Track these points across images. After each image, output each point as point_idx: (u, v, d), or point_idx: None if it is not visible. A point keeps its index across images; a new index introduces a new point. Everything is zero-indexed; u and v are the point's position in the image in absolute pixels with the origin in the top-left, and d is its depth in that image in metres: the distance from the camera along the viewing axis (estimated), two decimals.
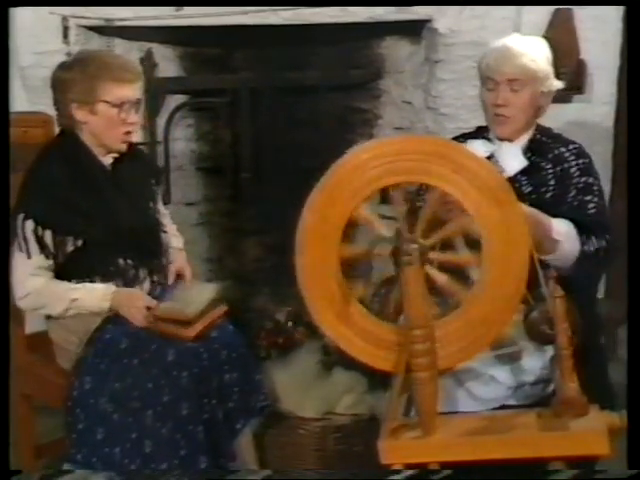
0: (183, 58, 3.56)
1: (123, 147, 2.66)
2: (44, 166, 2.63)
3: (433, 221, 2.09)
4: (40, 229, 2.55)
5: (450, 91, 3.53)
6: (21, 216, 2.55)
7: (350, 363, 2.39)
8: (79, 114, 2.60)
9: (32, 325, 2.84)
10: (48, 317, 2.67)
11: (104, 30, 3.30)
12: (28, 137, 2.81)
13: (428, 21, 3.49)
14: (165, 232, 2.80)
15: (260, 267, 3.76)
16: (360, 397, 2.85)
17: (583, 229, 2.46)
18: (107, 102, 2.57)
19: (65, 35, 3.23)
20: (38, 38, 3.23)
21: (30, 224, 2.55)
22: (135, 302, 2.57)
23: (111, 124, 2.59)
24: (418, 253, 2.03)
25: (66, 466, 2.51)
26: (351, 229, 2.09)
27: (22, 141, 2.74)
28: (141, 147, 2.85)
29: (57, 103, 2.65)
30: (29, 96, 3.24)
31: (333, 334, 2.12)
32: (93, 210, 2.61)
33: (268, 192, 3.66)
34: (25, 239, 2.55)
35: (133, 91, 2.60)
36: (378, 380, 2.53)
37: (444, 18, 3.46)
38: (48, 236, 2.56)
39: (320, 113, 3.69)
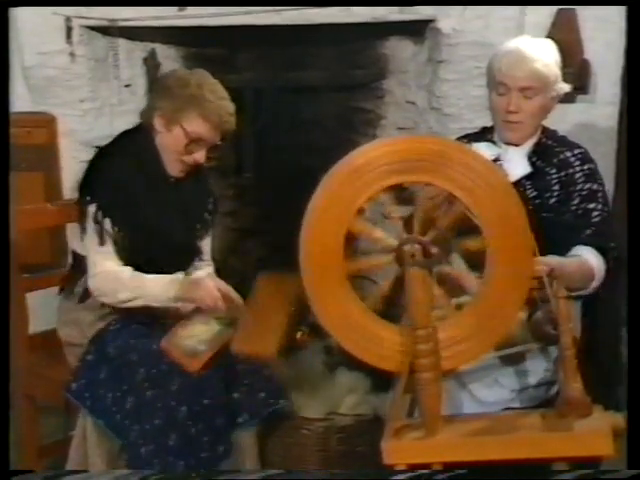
0: (186, 58, 3.56)
1: (177, 174, 2.64)
2: (116, 156, 2.61)
3: (427, 220, 2.09)
4: (100, 215, 2.53)
5: (453, 91, 3.53)
6: (87, 198, 2.55)
7: (353, 363, 2.39)
8: (157, 122, 2.59)
9: (35, 325, 2.84)
10: (59, 316, 2.68)
11: (107, 30, 3.31)
12: (31, 137, 2.82)
13: (431, 21, 3.48)
14: (201, 260, 2.80)
15: (263, 267, 3.75)
16: (363, 397, 2.85)
17: (602, 250, 2.45)
18: (184, 129, 2.56)
19: (68, 35, 3.23)
20: (42, 38, 3.24)
21: (92, 207, 2.54)
22: (205, 286, 2.53)
23: (176, 149, 2.59)
24: (422, 252, 2.04)
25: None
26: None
27: (25, 141, 2.75)
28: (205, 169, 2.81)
29: (153, 95, 2.65)
30: (33, 96, 3.25)
31: (337, 334, 2.13)
32: (149, 219, 2.60)
33: (271, 192, 3.66)
34: (88, 221, 2.54)
35: (213, 135, 2.58)
36: (381, 380, 2.52)
37: (447, 18, 3.45)
38: (107, 224, 2.54)
39: (323, 113, 3.68)
